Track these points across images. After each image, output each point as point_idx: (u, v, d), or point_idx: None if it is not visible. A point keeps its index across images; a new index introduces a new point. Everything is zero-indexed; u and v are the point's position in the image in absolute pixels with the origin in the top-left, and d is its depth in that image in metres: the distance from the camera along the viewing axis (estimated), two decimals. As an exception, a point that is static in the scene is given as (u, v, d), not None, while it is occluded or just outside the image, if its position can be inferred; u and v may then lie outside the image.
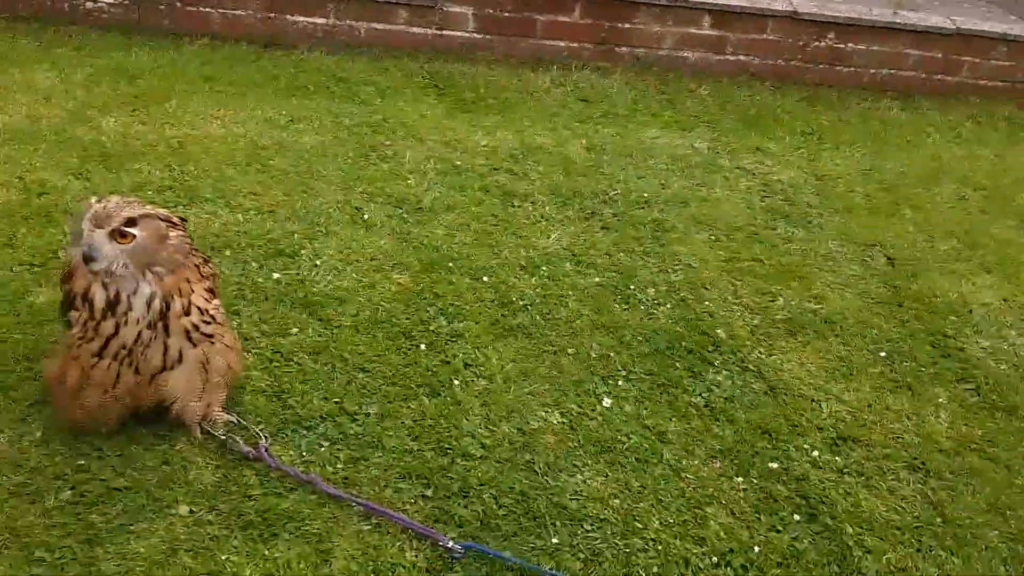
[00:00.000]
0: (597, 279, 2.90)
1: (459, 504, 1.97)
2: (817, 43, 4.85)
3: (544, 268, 2.92)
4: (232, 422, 2.10)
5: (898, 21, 4.86)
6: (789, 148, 4.13)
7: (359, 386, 2.29)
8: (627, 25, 4.68)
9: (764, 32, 4.79)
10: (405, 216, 3.11)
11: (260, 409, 2.15)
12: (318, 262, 2.77)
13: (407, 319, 2.57)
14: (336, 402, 2.21)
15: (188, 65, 4.06)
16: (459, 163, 3.56)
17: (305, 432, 2.12)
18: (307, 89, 4.02)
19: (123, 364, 1.86)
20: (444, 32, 4.57)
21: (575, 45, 4.71)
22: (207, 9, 4.38)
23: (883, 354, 2.66)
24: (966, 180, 4.03)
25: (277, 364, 2.31)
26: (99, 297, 1.81)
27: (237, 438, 2.04)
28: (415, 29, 4.55)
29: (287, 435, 2.10)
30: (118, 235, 1.75)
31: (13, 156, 3.08)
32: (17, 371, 2.15)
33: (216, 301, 1.97)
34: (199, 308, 1.91)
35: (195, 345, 1.92)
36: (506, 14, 4.57)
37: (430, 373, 2.36)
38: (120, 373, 1.87)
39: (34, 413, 2.03)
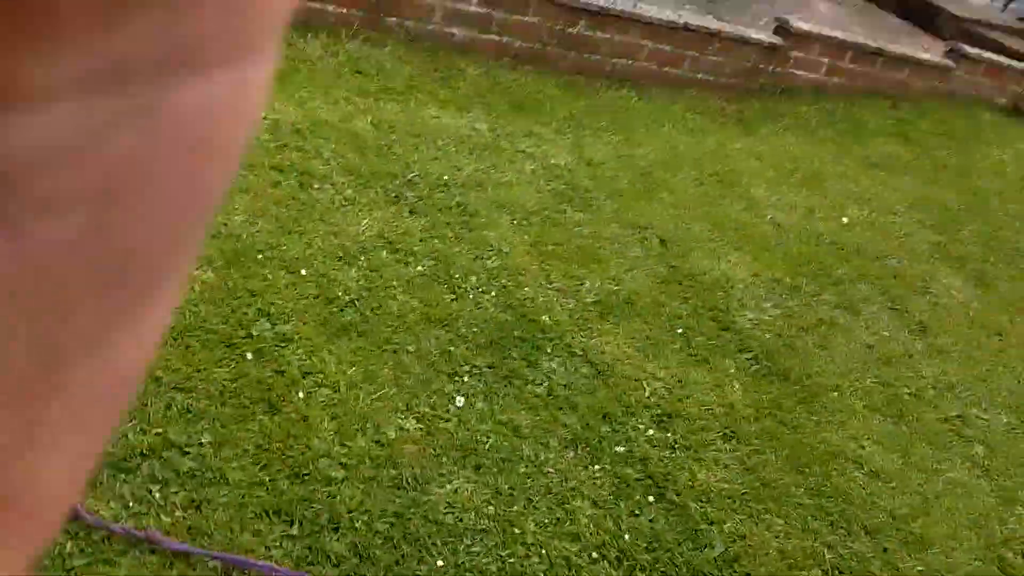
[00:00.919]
0: (419, 268, 2.82)
1: (330, 538, 1.82)
2: (571, 29, 5.12)
3: (362, 258, 2.77)
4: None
5: (637, 12, 5.30)
6: (557, 133, 4.34)
7: (182, 410, 1.99)
8: (397, -6, 4.53)
9: (526, 14, 4.94)
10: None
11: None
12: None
13: (223, 324, 2.28)
14: (158, 433, 1.91)
15: None
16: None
17: (125, 476, 1.80)
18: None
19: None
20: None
21: (343, 11, 4.45)
22: None
23: (680, 331, 2.95)
24: (700, 167, 4.57)
25: (79, 390, 1.93)
26: None
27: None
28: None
29: (102, 482, 1.77)
30: None
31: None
32: None
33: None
34: None
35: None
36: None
37: (264, 387, 2.14)
38: None
39: None
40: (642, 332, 2.88)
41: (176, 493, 1.80)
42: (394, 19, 4.61)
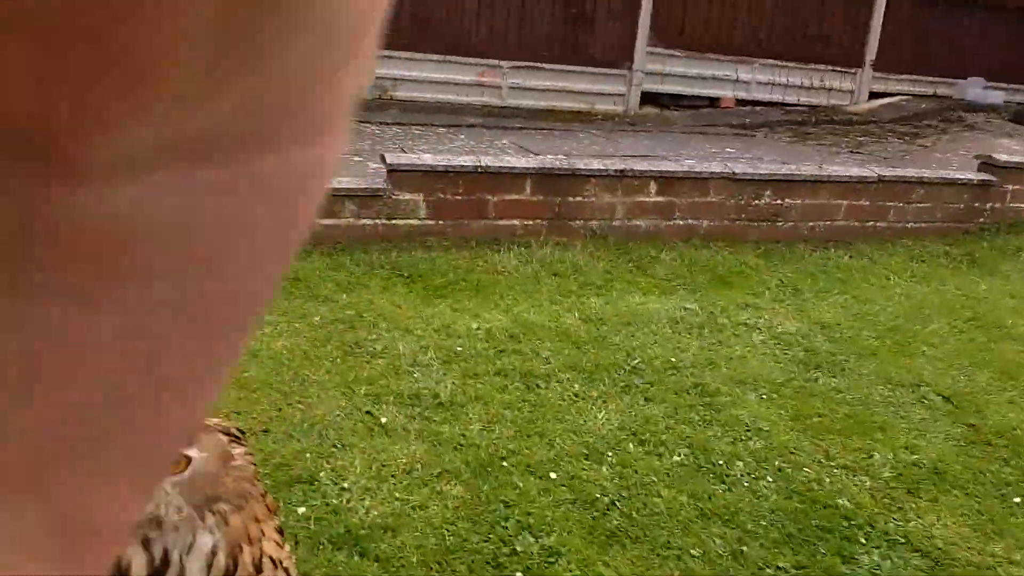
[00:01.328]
0: (675, 458, 2.47)
1: None
2: (757, 201, 4.96)
3: (610, 454, 2.47)
4: None
5: (824, 174, 5.08)
6: (775, 301, 4.01)
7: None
8: (578, 198, 4.60)
9: (707, 195, 4.85)
10: (427, 415, 2.60)
11: None
12: (345, 484, 2.18)
13: (484, 542, 2.01)
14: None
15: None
16: (460, 349, 3.13)
17: None
18: (259, 290, 3.53)
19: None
20: (395, 221, 4.28)
21: (529, 222, 4.54)
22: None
23: (1017, 500, 2.35)
24: (952, 314, 4.03)
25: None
26: (138, 563, 1.19)
27: None
28: (364, 221, 4.23)
29: None
30: None
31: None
32: None
33: (287, 548, 1.38)
34: (272, 560, 1.31)
35: (274, 622, 1.31)
36: (458, 197, 4.37)
37: (542, 611, 1.80)
38: None
39: None
40: (970, 507, 2.31)
41: None
42: (578, 222, 4.64)
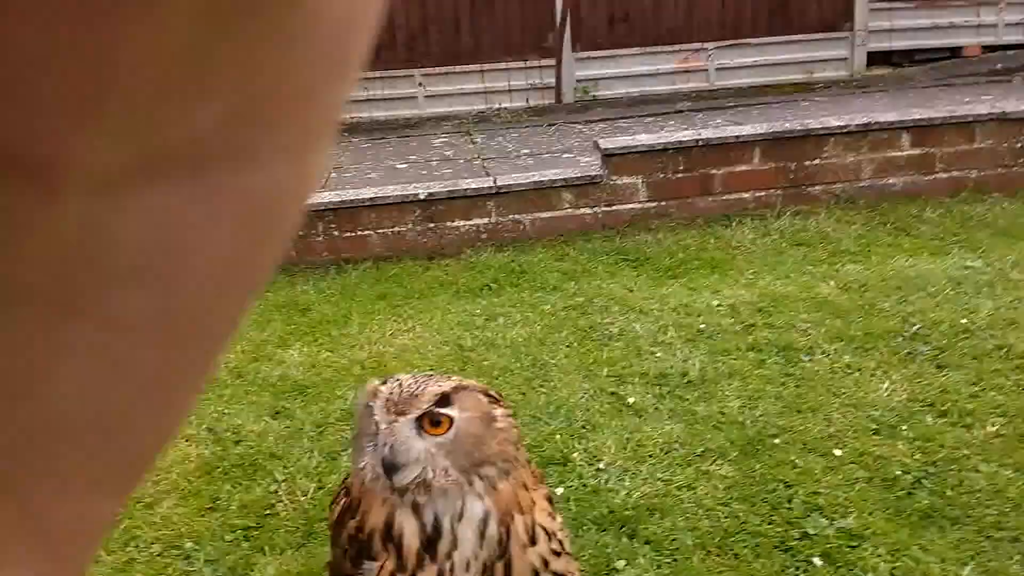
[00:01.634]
0: (989, 428, 2.05)
1: None
2: (1036, 142, 4.20)
3: (904, 428, 2.11)
4: None
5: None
6: (1079, 251, 3.33)
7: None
8: (816, 161, 4.15)
9: (973, 141, 4.19)
10: (677, 393, 2.39)
11: None
12: (600, 464, 2.03)
13: (767, 523, 1.76)
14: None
15: (357, 289, 3.65)
16: (702, 327, 2.88)
17: None
18: (490, 288, 3.52)
19: (450, 641, 1.11)
20: (613, 207, 4.12)
21: (761, 194, 4.18)
22: (365, 232, 4.07)
23: None
24: None
25: (625, 621, 1.51)
26: (410, 531, 1.10)
27: None
28: (583, 210, 4.12)
29: None
30: (428, 422, 1.09)
31: (198, 406, 2.55)
32: None
33: (559, 519, 1.23)
34: (545, 531, 1.17)
35: (547, 595, 1.17)
36: (679, 175, 4.13)
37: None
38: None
39: None
40: None
41: None
42: (818, 187, 4.19)
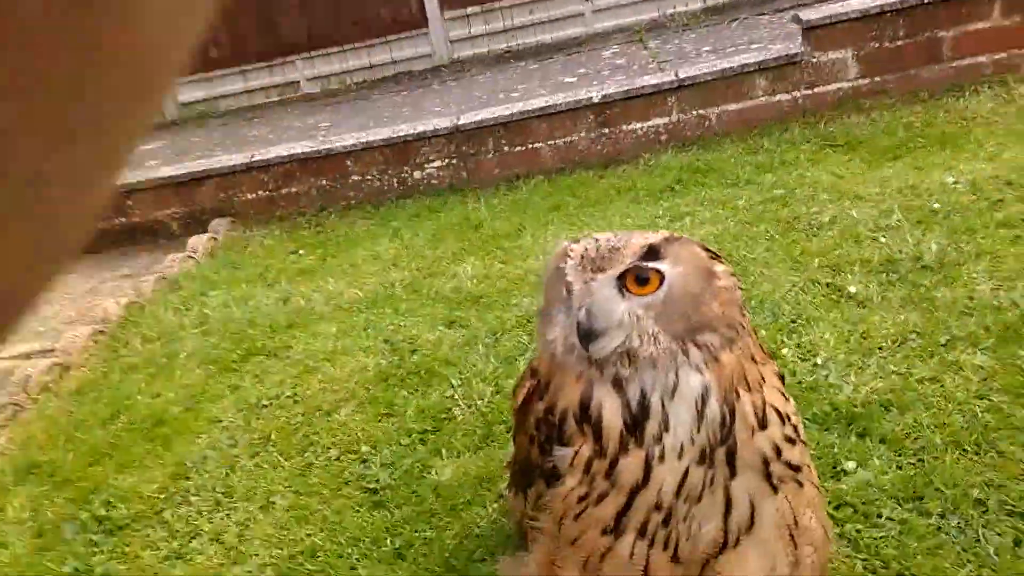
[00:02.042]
0: None
1: None
2: None
3: None
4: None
5: None
6: None
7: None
8: (1074, 8, 3.38)
9: None
10: (910, 279, 1.99)
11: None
12: (818, 360, 1.72)
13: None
14: None
15: (529, 202, 3.48)
16: (936, 207, 2.42)
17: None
18: (673, 189, 3.21)
19: (655, 543, 0.90)
20: (816, 89, 3.61)
21: (1002, 56, 3.48)
22: (536, 144, 3.88)
23: None
24: None
25: (862, 529, 1.23)
26: (611, 409, 0.90)
27: None
28: (779, 96, 3.65)
29: None
30: (634, 280, 0.86)
31: (372, 321, 2.52)
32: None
33: (792, 402, 0.97)
34: (779, 412, 0.92)
35: (776, 490, 0.92)
36: (898, 43, 3.52)
37: None
38: (651, 561, 0.91)
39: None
40: None
41: None
42: (1078, 40, 3.42)
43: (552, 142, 3.87)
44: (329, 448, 1.75)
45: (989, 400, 1.46)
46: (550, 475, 0.92)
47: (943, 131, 3.09)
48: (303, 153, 3.92)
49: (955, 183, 2.58)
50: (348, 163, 3.98)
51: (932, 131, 3.12)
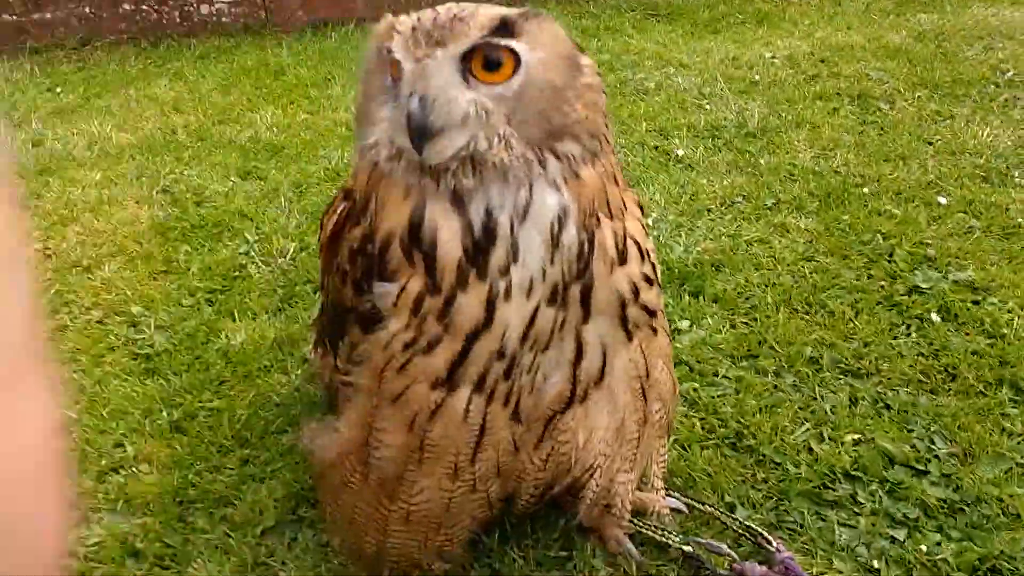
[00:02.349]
0: None
1: None
2: None
3: (1016, 175, 1.72)
4: (681, 511, 0.98)
5: None
6: None
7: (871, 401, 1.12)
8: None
9: None
10: (736, 145, 1.97)
11: (725, 478, 1.01)
12: (649, 220, 1.65)
13: (865, 278, 1.40)
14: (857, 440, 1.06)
15: (340, 51, 3.12)
16: (756, 78, 2.42)
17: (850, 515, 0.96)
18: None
19: (494, 399, 0.76)
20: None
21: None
22: (346, -13, 3.46)
23: None
24: None
25: (698, 388, 1.18)
26: (448, 232, 0.70)
27: (718, 545, 0.92)
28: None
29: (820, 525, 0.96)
30: (483, 63, 0.66)
31: (147, 168, 2.12)
32: (226, 468, 1.09)
33: (651, 241, 0.84)
34: (639, 247, 0.79)
35: (631, 337, 0.81)
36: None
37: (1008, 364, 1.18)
38: (488, 420, 0.77)
39: (275, 544, 0.96)
40: None
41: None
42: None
43: (365, -13, 3.48)
44: (90, 309, 1.44)
45: (816, 261, 1.46)
46: (368, 319, 0.73)
47: (760, 8, 3.11)
48: (56, -33, 3.23)
49: (773, 58, 2.59)
50: (116, -14, 3.34)
51: (750, 7, 3.13)
